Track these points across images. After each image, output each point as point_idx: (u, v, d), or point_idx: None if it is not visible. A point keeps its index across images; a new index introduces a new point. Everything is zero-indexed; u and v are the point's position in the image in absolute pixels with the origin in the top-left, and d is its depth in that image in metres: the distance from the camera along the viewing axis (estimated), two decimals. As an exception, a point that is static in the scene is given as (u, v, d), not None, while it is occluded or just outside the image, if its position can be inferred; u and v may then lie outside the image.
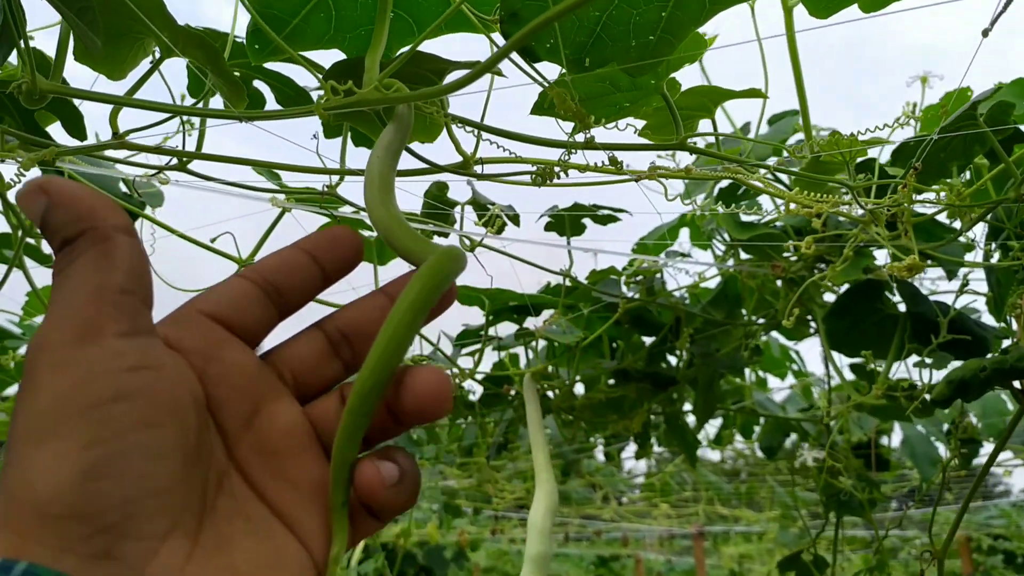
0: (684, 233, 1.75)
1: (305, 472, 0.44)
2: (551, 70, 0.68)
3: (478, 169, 0.77)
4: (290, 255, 0.46)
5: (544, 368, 1.52)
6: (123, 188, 1.07)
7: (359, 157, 1.00)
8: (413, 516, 6.42)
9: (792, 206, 0.94)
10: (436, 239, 1.40)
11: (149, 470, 0.36)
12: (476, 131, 0.74)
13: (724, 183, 1.34)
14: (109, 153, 1.00)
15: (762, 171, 0.90)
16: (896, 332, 1.19)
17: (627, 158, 0.79)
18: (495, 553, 10.25)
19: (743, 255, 1.45)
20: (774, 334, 2.04)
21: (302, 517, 0.43)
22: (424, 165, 0.78)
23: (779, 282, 1.49)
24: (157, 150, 0.73)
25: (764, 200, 1.38)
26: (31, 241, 1.11)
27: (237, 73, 0.75)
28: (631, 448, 2.81)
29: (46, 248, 1.15)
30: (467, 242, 1.16)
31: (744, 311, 1.62)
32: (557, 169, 0.74)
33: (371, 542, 6.27)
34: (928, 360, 1.11)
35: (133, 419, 0.36)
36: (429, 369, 0.44)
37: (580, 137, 0.68)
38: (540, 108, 0.72)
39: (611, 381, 1.87)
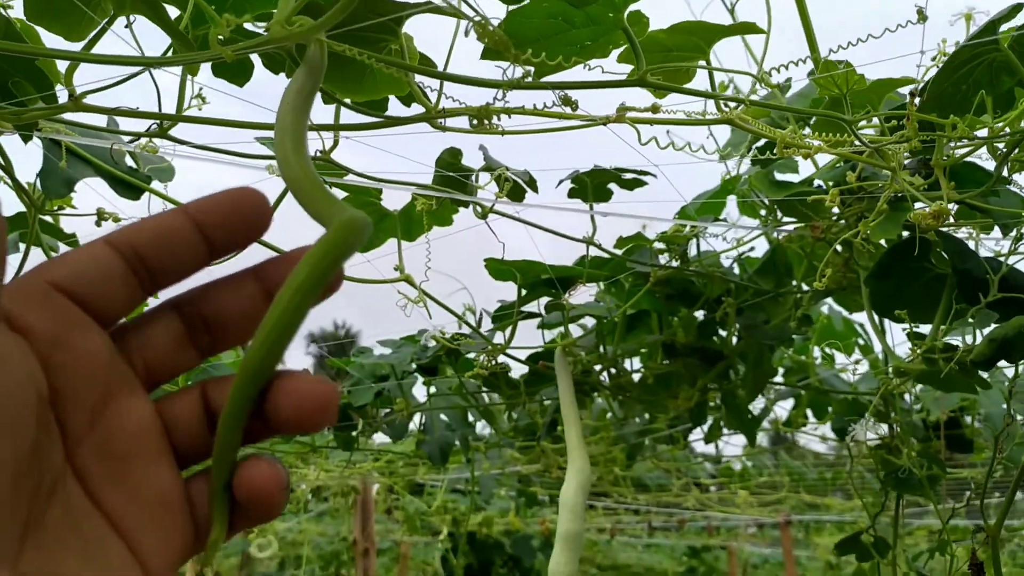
0: (732, 203, 1.68)
1: (151, 480, 0.38)
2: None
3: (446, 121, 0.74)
4: (170, 222, 0.38)
5: (574, 342, 1.47)
6: (130, 163, 1.08)
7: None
8: (491, 504, 6.43)
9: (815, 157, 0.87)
10: (459, 211, 1.37)
11: None
12: (439, 81, 0.70)
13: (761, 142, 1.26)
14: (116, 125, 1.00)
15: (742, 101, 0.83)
16: (944, 293, 1.09)
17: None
18: (585, 544, 10.21)
19: (785, 220, 1.37)
20: (835, 307, 1.94)
21: (142, 532, 0.37)
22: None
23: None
24: (119, 112, 0.72)
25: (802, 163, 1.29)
26: (47, 219, 1.13)
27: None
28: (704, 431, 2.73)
29: (65, 225, 1.17)
30: (479, 209, 1.13)
31: (794, 281, 1.54)
32: (500, 114, 0.70)
33: (455, 530, 6.32)
34: (971, 320, 1.01)
35: None
36: (316, 378, 0.39)
37: (517, 74, 0.63)
38: (489, 52, 0.68)
39: (666, 362, 1.81)
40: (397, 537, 7.14)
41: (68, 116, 0.75)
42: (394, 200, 1.40)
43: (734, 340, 1.62)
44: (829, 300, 1.86)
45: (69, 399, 0.36)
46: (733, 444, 2.70)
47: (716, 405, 2.39)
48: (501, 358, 1.58)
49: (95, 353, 0.37)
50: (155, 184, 1.08)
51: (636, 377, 1.89)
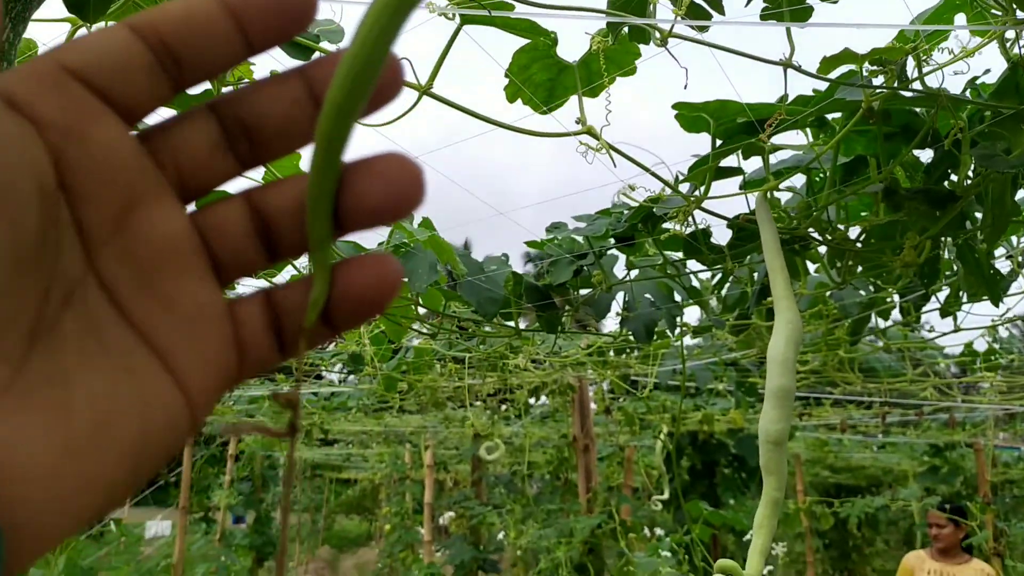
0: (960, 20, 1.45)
1: (187, 293, 0.34)
2: None
3: None
4: (202, 9, 0.33)
5: (776, 184, 1.34)
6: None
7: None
8: (711, 403, 6.32)
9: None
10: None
11: None
12: None
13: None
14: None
15: None
16: None
17: None
18: (814, 444, 9.84)
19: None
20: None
21: (177, 348, 0.33)
22: None
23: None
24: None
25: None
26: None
27: None
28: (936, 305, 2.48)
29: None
30: (658, 34, 1.03)
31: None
32: None
33: (675, 429, 6.30)
34: None
35: None
36: (397, 154, 0.34)
37: None
38: None
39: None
40: (620, 440, 7.25)
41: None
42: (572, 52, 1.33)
43: (968, 178, 1.42)
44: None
45: (87, 198, 0.32)
46: (977, 314, 2.41)
47: (951, 274, 2.16)
48: (699, 217, 1.49)
49: (116, 149, 0.33)
50: (324, 44, 1.08)
51: (854, 236, 1.72)
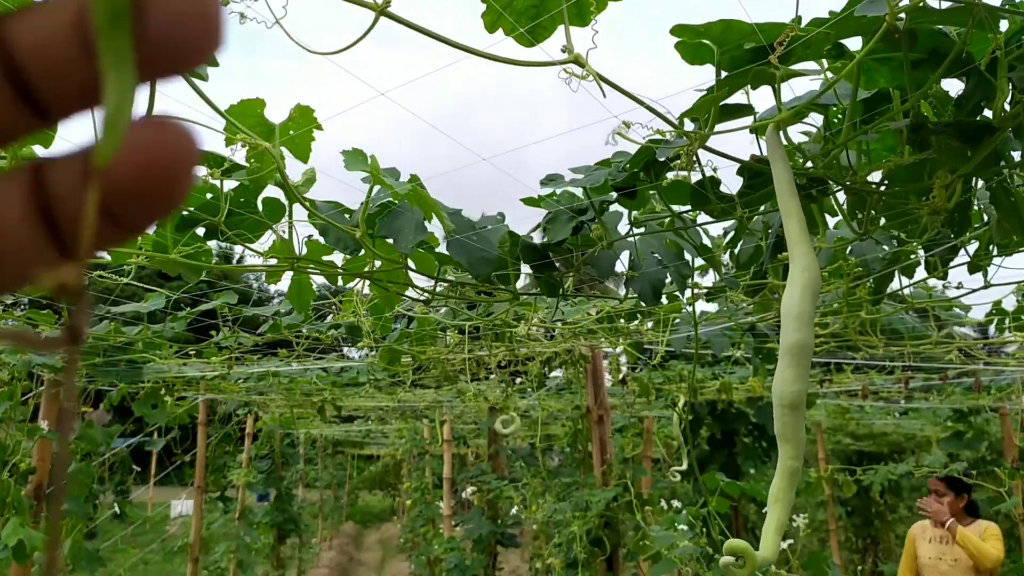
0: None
1: None
2: None
3: None
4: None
5: (790, 115, 1.20)
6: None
7: None
8: (729, 372, 6.18)
9: None
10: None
11: None
12: None
13: None
14: None
15: None
16: None
17: None
18: (835, 411, 9.67)
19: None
20: None
21: None
22: None
23: None
24: None
25: None
26: None
27: None
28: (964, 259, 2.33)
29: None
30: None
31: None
32: None
33: (693, 399, 6.17)
34: None
35: None
36: None
37: None
38: None
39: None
40: (638, 412, 7.12)
41: None
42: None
43: (1005, 107, 1.26)
44: None
45: None
46: (1009, 267, 2.25)
47: (980, 225, 2.00)
48: (707, 163, 1.35)
49: None
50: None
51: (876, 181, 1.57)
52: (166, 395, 4.83)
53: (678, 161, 1.29)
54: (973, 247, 2.23)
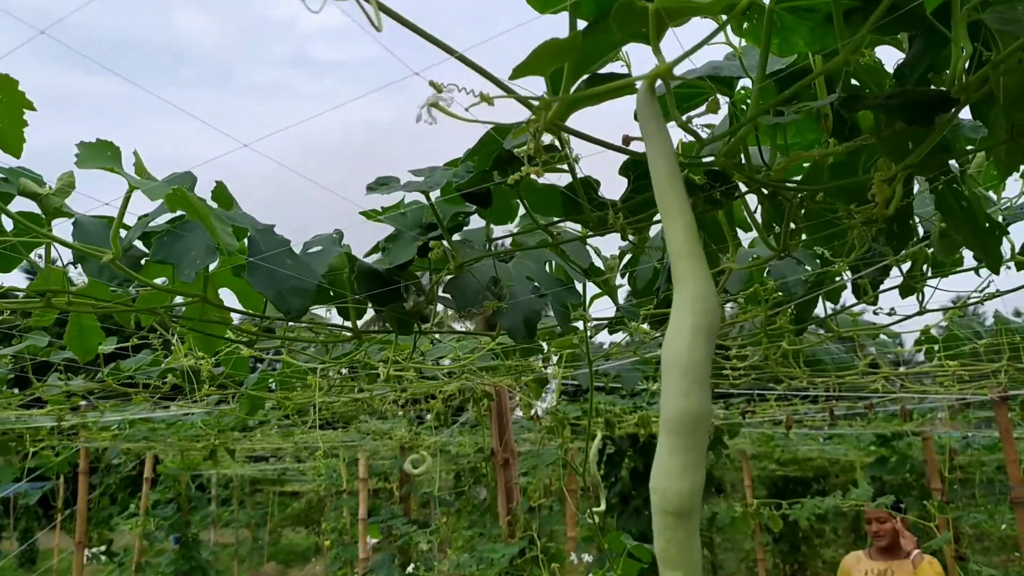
0: None
1: None
2: None
3: None
4: None
5: (668, 68, 0.83)
6: None
7: None
8: (649, 403, 5.88)
9: None
10: None
11: None
12: None
13: None
14: None
15: None
16: None
17: None
18: (760, 439, 9.47)
19: None
20: None
21: None
22: None
23: None
24: None
25: None
26: None
27: None
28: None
29: None
30: None
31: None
32: None
33: (610, 433, 5.84)
34: None
35: None
36: None
37: None
38: None
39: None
40: (556, 448, 6.75)
41: None
42: None
43: (966, 70, 0.92)
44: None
45: None
46: (945, 288, 1.92)
47: (919, 242, 1.68)
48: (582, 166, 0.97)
49: None
50: None
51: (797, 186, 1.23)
52: (18, 446, 4.26)
53: (523, 147, 0.92)
54: (906, 267, 1.92)
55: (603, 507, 5.41)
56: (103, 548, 7.68)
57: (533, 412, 5.43)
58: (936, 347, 3.02)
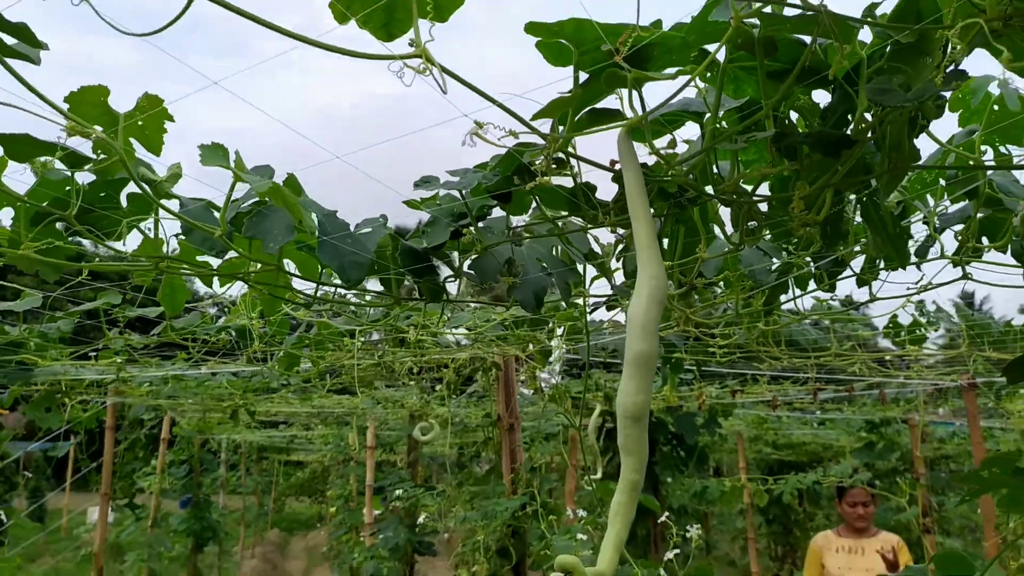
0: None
1: None
2: None
3: None
4: None
5: (641, 119, 1.17)
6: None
7: None
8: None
9: None
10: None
11: None
12: None
13: None
14: None
15: None
16: None
17: None
18: (755, 420, 9.83)
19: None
20: (1011, 78, 1.51)
21: None
22: None
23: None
24: None
25: None
26: None
27: None
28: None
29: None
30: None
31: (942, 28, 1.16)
32: None
33: (609, 407, 6.18)
34: None
35: None
36: None
37: None
38: None
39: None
40: (555, 419, 7.11)
41: None
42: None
43: (867, 118, 1.26)
44: (996, 74, 1.45)
45: None
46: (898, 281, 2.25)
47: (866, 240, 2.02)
48: (583, 171, 1.32)
49: None
50: None
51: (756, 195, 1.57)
52: (63, 398, 4.63)
53: (538, 163, 1.26)
54: (861, 260, 2.26)
55: (599, 475, 5.79)
56: (125, 501, 8.10)
57: (538, 380, 5.80)
58: (902, 334, 3.36)
